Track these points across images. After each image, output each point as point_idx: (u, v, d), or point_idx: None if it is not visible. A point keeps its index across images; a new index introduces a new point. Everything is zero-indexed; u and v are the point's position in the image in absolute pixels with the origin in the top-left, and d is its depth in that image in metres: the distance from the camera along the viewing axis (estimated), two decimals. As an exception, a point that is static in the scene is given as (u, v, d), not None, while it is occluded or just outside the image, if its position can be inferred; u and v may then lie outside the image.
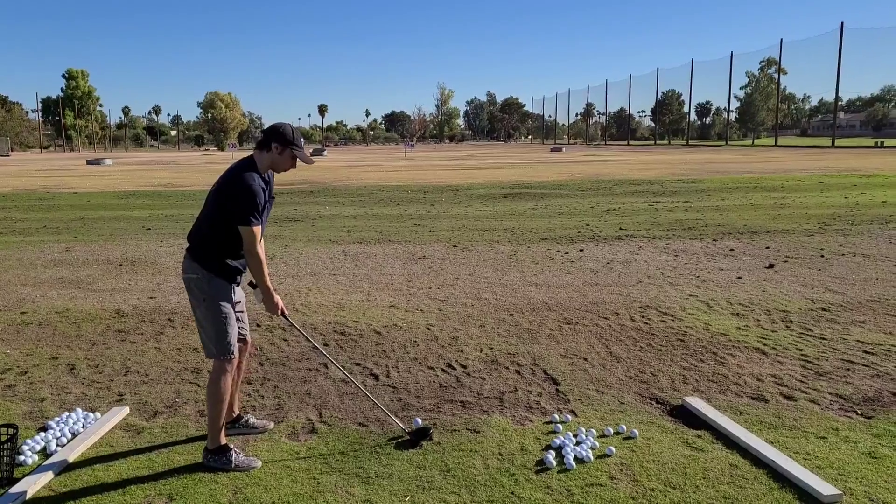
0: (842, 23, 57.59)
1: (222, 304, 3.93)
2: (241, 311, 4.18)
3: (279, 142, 3.91)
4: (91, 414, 4.60)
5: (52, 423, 4.45)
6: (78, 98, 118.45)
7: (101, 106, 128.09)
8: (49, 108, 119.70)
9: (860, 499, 3.45)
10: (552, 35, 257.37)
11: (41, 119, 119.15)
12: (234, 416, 4.37)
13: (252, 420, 4.41)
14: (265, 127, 4.20)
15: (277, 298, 4.06)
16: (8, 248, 11.41)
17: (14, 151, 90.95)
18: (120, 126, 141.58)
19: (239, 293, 4.14)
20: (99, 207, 18.22)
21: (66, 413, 4.59)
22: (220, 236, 3.90)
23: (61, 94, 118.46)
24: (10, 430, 3.82)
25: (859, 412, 4.50)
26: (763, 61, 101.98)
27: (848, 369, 5.25)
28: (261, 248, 3.93)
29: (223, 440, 3.97)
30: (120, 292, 8.12)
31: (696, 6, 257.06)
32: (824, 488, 3.50)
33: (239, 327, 4.12)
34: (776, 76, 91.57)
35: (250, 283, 4.07)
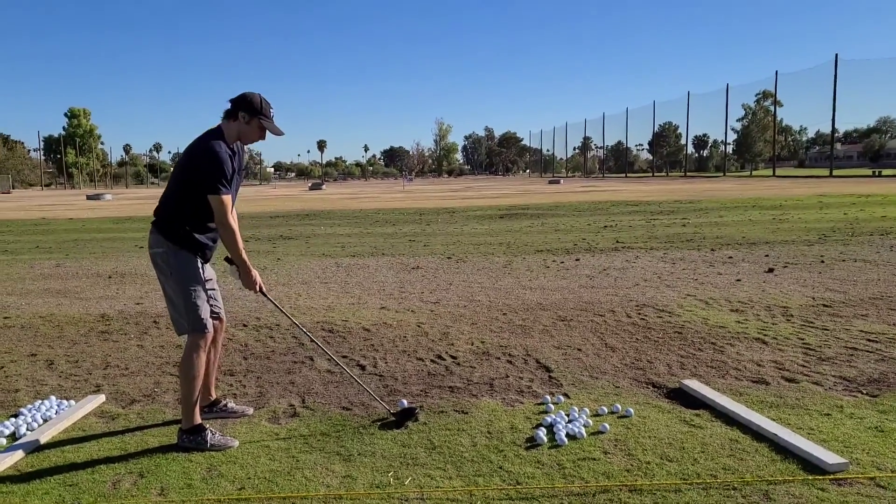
0: (836, 54, 58.00)
1: (191, 276, 3.77)
2: (214, 289, 4.02)
3: (247, 111, 3.75)
4: (65, 402, 4.42)
5: (23, 409, 4.27)
6: (80, 136, 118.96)
7: (102, 144, 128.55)
8: (51, 146, 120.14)
9: (867, 468, 3.27)
10: (549, 70, 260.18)
11: (43, 157, 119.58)
12: (212, 399, 4.19)
13: (231, 404, 4.23)
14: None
15: (255, 273, 3.89)
16: (-2, 266, 11.27)
17: (15, 189, 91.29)
18: (121, 163, 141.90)
19: (209, 271, 3.98)
20: (93, 231, 18.11)
21: (39, 401, 4.42)
22: (186, 208, 3.74)
23: (63, 133, 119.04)
24: (-25, 409, 3.65)
25: (864, 392, 4.32)
26: (759, 94, 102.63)
27: (851, 355, 5.08)
28: (233, 220, 3.77)
29: (198, 420, 3.78)
30: (107, 299, 7.96)
31: (691, 39, 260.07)
32: (829, 457, 3.32)
33: (212, 305, 3.96)
34: (772, 108, 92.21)
35: (226, 259, 3.92)
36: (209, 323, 3.81)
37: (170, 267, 3.77)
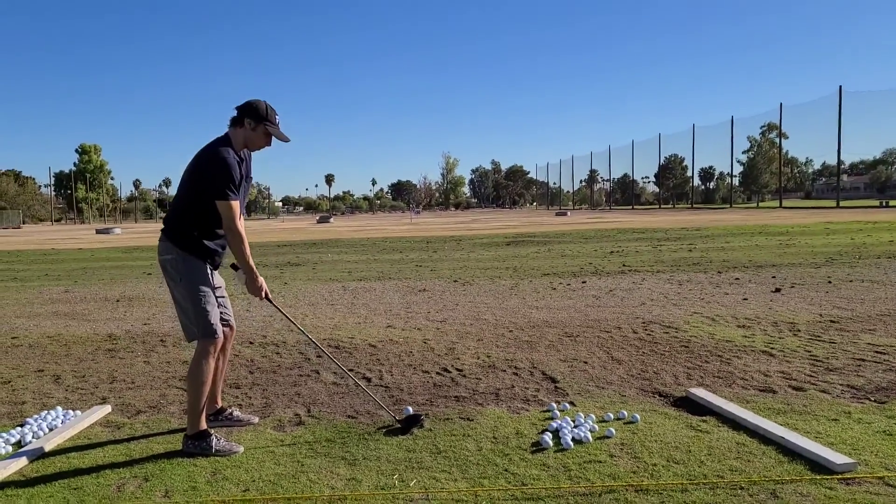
0: (840, 86, 57.83)
1: (200, 282, 3.80)
2: (223, 297, 4.04)
3: (252, 117, 3.81)
4: (71, 412, 4.43)
5: (29, 419, 4.29)
6: (90, 172, 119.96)
7: (112, 179, 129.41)
8: (61, 181, 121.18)
9: (875, 468, 3.24)
10: (555, 103, 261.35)
11: (53, 193, 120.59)
12: (217, 408, 4.20)
13: (236, 413, 4.24)
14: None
15: (261, 280, 3.92)
16: (7, 292, 11.34)
17: (25, 224, 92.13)
18: (130, 199, 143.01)
19: (218, 279, 4.01)
20: (102, 260, 18.21)
21: (46, 411, 4.43)
22: (195, 215, 3.79)
23: (74, 169, 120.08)
24: (-18, 414, 3.65)
25: (872, 399, 4.29)
26: (764, 126, 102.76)
27: (859, 365, 5.05)
28: (241, 226, 3.81)
29: (203, 426, 3.79)
30: (114, 321, 7.99)
31: (695, 72, 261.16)
32: (837, 458, 3.29)
33: (222, 311, 3.98)
34: (777, 140, 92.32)
35: (232, 266, 3.95)
36: (219, 328, 3.83)
37: (179, 273, 3.80)
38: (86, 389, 5.05)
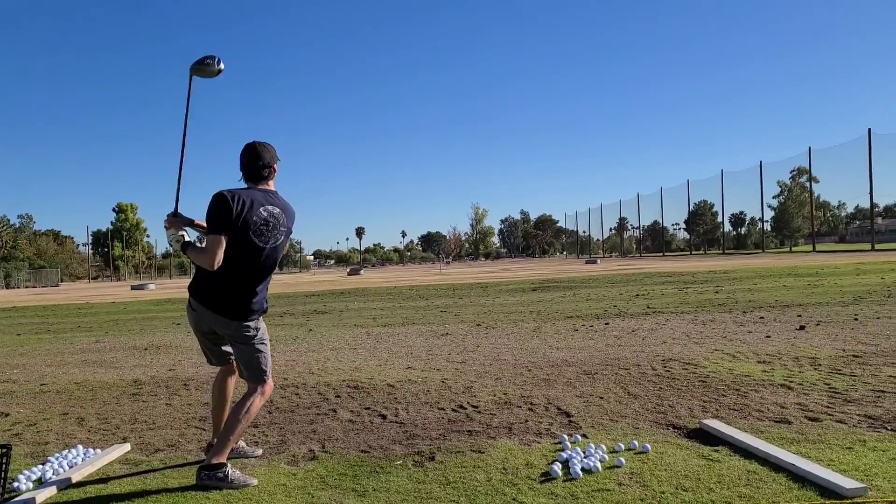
0: (869, 129, 57.45)
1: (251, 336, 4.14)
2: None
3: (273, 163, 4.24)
4: (91, 450, 4.53)
5: (51, 457, 4.39)
6: (127, 230, 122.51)
7: (148, 237, 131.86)
8: (98, 239, 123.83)
9: (887, 493, 3.20)
10: (582, 151, 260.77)
11: (91, 251, 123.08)
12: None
13: (241, 443, 4.34)
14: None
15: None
16: (40, 343, 11.60)
17: (63, 282, 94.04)
18: (165, 255, 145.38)
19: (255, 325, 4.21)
20: (134, 312, 18.54)
21: (67, 450, 4.54)
22: (217, 279, 4.18)
23: (111, 227, 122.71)
24: (2, 450, 3.76)
25: (889, 428, 4.23)
26: (794, 170, 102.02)
27: (878, 396, 4.98)
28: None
29: (222, 459, 3.87)
30: (141, 367, 8.14)
31: (722, 115, 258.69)
32: (847, 483, 3.26)
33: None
34: (808, 184, 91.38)
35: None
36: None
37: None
38: (107, 430, 5.16)
